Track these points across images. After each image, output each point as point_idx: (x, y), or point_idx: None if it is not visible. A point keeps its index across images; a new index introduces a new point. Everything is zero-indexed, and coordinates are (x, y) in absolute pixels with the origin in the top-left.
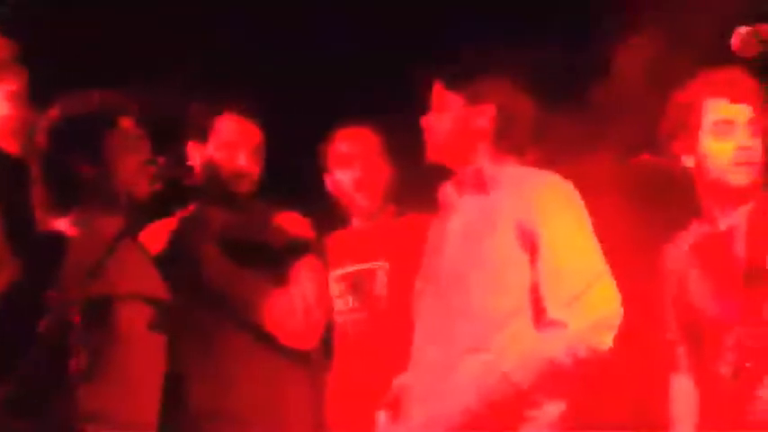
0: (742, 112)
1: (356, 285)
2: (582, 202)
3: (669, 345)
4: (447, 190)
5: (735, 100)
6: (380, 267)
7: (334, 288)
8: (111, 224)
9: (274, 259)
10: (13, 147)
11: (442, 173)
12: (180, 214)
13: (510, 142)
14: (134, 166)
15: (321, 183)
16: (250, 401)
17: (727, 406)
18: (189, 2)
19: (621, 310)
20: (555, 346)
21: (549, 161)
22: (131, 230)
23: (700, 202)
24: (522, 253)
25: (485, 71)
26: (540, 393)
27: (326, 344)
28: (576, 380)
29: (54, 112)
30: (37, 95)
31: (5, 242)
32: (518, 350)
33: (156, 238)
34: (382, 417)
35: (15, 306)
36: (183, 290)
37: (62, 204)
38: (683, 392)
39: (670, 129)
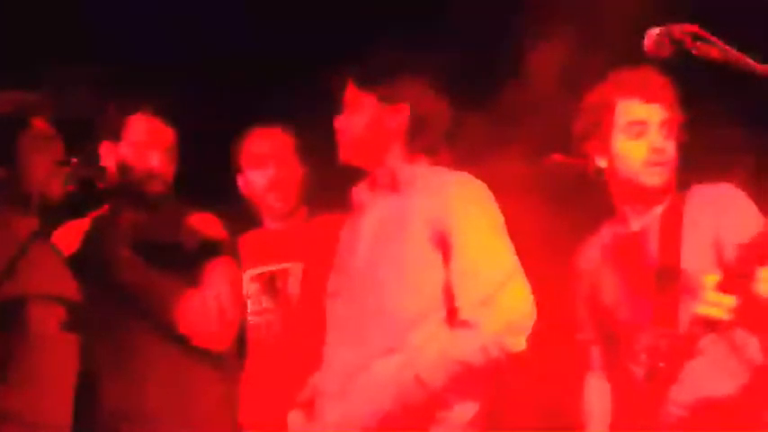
0: (655, 113)
1: (269, 286)
2: (495, 203)
3: (582, 345)
4: (360, 190)
5: (647, 100)
6: (293, 268)
7: (248, 288)
8: (23, 225)
9: (187, 260)
10: None
11: (356, 173)
12: (93, 215)
13: (423, 142)
14: (47, 167)
15: (234, 183)
16: (163, 402)
17: (641, 407)
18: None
19: (534, 311)
20: (467, 347)
21: (462, 161)
22: (44, 231)
23: (613, 203)
24: (435, 253)
25: (398, 71)
26: (452, 394)
27: (240, 344)
28: (490, 381)
29: None
30: None
31: None
32: (431, 351)
33: (70, 239)
34: (295, 417)
35: None
36: (97, 290)
37: None
38: (597, 393)
39: (583, 129)
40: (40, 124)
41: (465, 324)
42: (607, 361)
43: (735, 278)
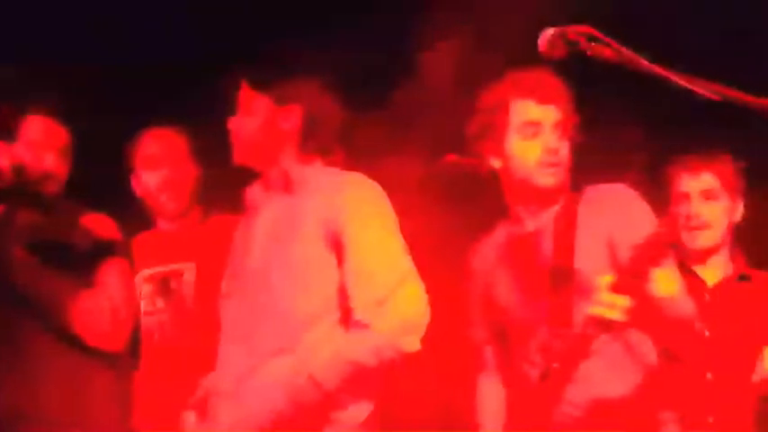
0: (549, 114)
1: (163, 286)
2: (389, 203)
3: (477, 346)
4: (253, 191)
5: (542, 101)
6: (187, 268)
7: (142, 289)
8: None
9: (81, 261)
10: None
11: (249, 174)
12: None
13: (316, 143)
14: None
15: (128, 184)
16: (56, 402)
17: (535, 407)
18: None
19: (428, 312)
20: (361, 348)
21: (355, 162)
22: None
23: (507, 204)
24: (329, 254)
25: (291, 72)
26: (346, 395)
27: (134, 345)
28: (384, 381)
29: None
30: None
31: None
32: (324, 351)
33: None
34: (189, 417)
35: None
36: None
37: None
38: (491, 393)
39: (477, 129)
40: None
41: (359, 325)
42: (501, 361)
43: (628, 279)
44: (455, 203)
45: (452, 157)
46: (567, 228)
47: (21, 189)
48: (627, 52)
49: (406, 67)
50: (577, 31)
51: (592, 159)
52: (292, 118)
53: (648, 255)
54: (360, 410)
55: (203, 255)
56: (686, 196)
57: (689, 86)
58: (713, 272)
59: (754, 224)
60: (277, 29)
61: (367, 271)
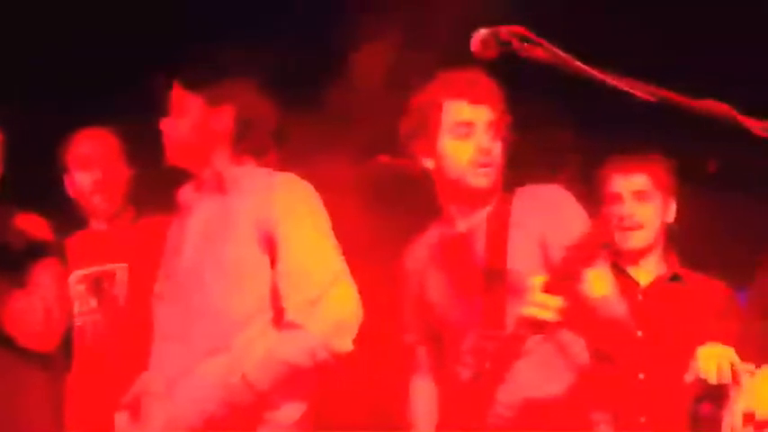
0: (482, 114)
1: (96, 287)
2: (321, 204)
3: (409, 346)
4: (186, 191)
5: (474, 102)
6: (120, 269)
7: (74, 289)
8: None
9: (14, 261)
10: None
11: (182, 175)
12: None
13: (249, 144)
14: None
15: (61, 185)
16: None
17: (468, 408)
18: None
19: (361, 312)
20: (293, 349)
21: (288, 163)
22: None
23: (440, 204)
24: (262, 254)
25: (224, 73)
26: (279, 395)
27: (66, 345)
28: (317, 381)
29: None
30: None
31: None
32: (257, 352)
33: None
34: (122, 418)
35: None
36: None
37: None
38: (423, 394)
39: (410, 130)
40: None
41: (291, 325)
42: (434, 362)
43: (561, 279)
44: (388, 204)
45: (385, 158)
46: (499, 228)
47: None
48: (559, 53)
49: (339, 67)
50: (510, 31)
51: (525, 160)
52: (225, 119)
53: (581, 255)
54: (293, 410)
55: (136, 255)
56: (619, 197)
57: (622, 87)
58: (646, 272)
59: (687, 224)
60: (210, 29)
61: (299, 271)
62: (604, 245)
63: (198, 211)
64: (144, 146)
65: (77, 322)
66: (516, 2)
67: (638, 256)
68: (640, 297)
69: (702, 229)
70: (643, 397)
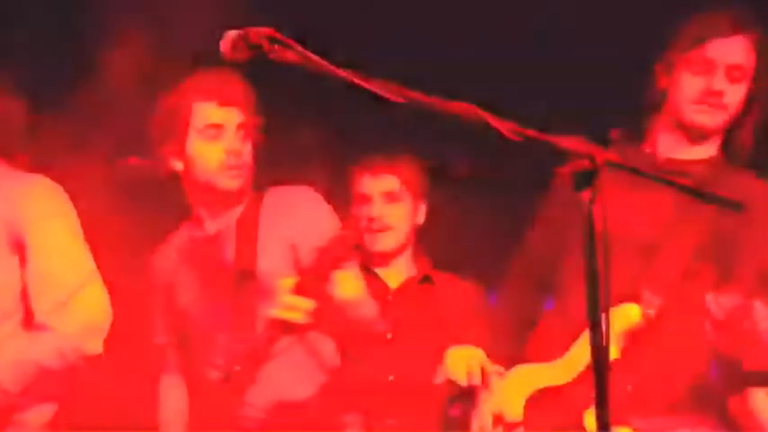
0: (231, 116)
1: None
2: (71, 206)
3: (159, 347)
4: None
5: (223, 104)
6: None
7: None
8: None
9: None
10: None
11: None
12: None
13: None
14: None
15: None
16: None
17: (218, 409)
18: None
19: (111, 314)
20: (43, 350)
21: (39, 164)
22: None
23: (190, 206)
24: (12, 256)
25: None
26: (29, 397)
27: None
28: (67, 382)
29: None
30: None
31: None
32: (6, 354)
33: None
34: None
35: None
36: None
37: None
38: (173, 395)
39: (159, 132)
40: None
41: (41, 327)
42: (183, 362)
43: (310, 281)
44: (138, 205)
45: (134, 160)
46: (249, 230)
47: None
48: (310, 55)
49: (89, 68)
50: (259, 33)
51: (275, 161)
52: None
53: (330, 257)
54: (43, 412)
55: None
56: (368, 198)
57: (373, 89)
58: (396, 274)
59: (439, 226)
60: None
61: (48, 273)
62: (354, 246)
63: None
64: None
65: None
66: (271, 3)
67: (387, 257)
68: (390, 298)
69: (454, 231)
70: (393, 398)
